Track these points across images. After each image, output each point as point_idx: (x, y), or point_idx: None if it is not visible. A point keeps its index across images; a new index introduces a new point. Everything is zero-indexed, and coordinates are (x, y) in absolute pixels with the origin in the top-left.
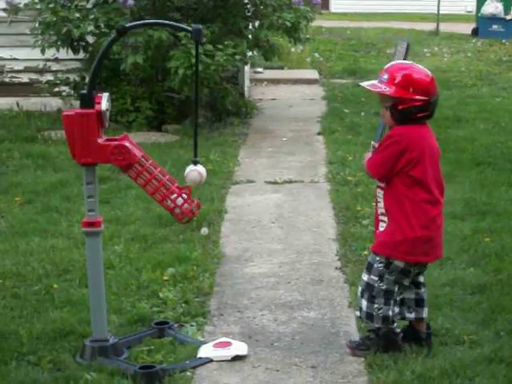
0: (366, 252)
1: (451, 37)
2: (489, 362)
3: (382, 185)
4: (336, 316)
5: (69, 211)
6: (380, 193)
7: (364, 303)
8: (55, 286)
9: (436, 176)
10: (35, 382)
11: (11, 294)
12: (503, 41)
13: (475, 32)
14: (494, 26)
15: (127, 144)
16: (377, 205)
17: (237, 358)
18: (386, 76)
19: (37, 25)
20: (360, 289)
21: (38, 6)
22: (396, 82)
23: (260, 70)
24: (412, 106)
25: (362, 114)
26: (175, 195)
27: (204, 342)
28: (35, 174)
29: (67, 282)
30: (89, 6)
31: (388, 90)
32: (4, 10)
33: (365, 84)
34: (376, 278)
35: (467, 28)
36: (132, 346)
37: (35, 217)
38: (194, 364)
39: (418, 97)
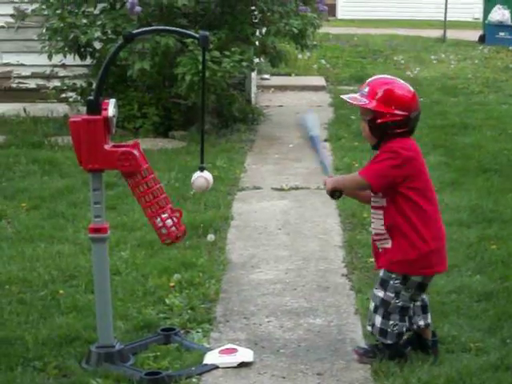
0: (372, 259)
1: (458, 44)
2: (495, 369)
3: (380, 204)
4: (342, 323)
5: (75, 217)
6: (376, 213)
7: (378, 319)
8: (61, 291)
9: (431, 186)
10: None
11: (17, 300)
12: (510, 48)
13: (482, 39)
14: (501, 33)
15: (134, 151)
16: (371, 224)
17: (243, 365)
18: (366, 89)
19: (44, 31)
20: (373, 304)
21: (46, 12)
22: (377, 96)
23: (267, 76)
24: (390, 121)
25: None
26: (166, 215)
27: (210, 349)
28: (42, 179)
29: (73, 287)
30: (96, 12)
31: (366, 102)
32: (11, 15)
33: (345, 97)
34: (392, 295)
35: (474, 35)
36: (138, 353)
37: (41, 222)
38: (199, 370)
39: (397, 111)
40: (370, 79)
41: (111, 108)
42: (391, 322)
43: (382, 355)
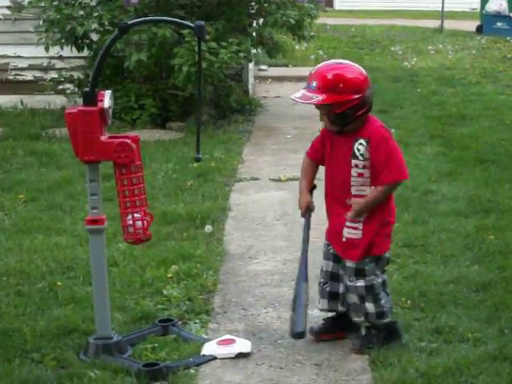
0: None
1: (455, 34)
2: (493, 359)
3: (364, 194)
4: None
5: (72, 209)
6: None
7: (370, 306)
8: (59, 283)
9: None
10: (39, 379)
11: (15, 292)
12: (508, 38)
13: (479, 29)
14: (499, 24)
15: (130, 142)
16: (341, 216)
17: (240, 356)
18: (314, 83)
19: (41, 22)
20: (356, 296)
21: (42, 4)
22: (326, 87)
23: (264, 67)
24: (348, 108)
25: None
26: (139, 216)
27: (208, 340)
28: (39, 171)
29: (71, 279)
30: (93, 3)
31: (320, 98)
32: (8, 7)
33: (295, 97)
34: (372, 277)
35: (471, 25)
36: (136, 344)
37: (39, 214)
38: (197, 361)
39: (352, 96)
40: (314, 70)
41: (107, 99)
42: (383, 301)
43: (379, 340)
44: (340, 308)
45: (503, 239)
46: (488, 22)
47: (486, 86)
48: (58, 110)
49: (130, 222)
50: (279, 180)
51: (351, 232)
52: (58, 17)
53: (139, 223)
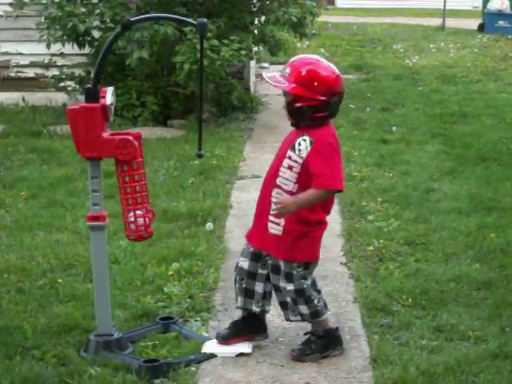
0: (371, 247)
1: (457, 32)
2: (494, 357)
3: (289, 188)
4: (341, 311)
5: (74, 206)
6: (279, 193)
7: (304, 307)
8: (60, 280)
9: None
10: (39, 376)
11: (16, 289)
12: (509, 36)
13: (481, 28)
14: (501, 22)
15: (132, 139)
16: (268, 205)
17: (241, 354)
18: (288, 70)
19: (42, 19)
20: (288, 298)
21: (44, 1)
22: (297, 77)
23: (266, 65)
24: (308, 105)
25: (368, 109)
26: (140, 213)
27: (209, 338)
28: (40, 168)
29: (72, 276)
30: (94, 0)
31: (286, 85)
32: (10, 4)
33: (266, 75)
34: (302, 281)
35: (473, 24)
36: (136, 341)
37: (40, 211)
38: (198, 359)
39: (317, 96)
40: (293, 59)
41: (109, 96)
42: (315, 301)
43: (319, 347)
44: (254, 308)
45: (504, 237)
46: (490, 21)
47: (488, 85)
48: (60, 107)
49: (132, 219)
50: None
51: (273, 227)
52: (60, 14)
53: (141, 220)
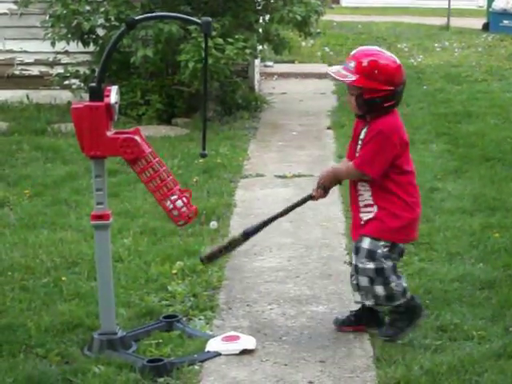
0: None
1: (462, 32)
2: (497, 357)
3: (365, 177)
4: (345, 310)
5: (78, 204)
6: (363, 185)
7: (380, 289)
8: (64, 278)
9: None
10: (43, 374)
11: (20, 287)
12: None
13: (486, 27)
14: (505, 21)
15: (136, 137)
16: (358, 197)
17: (245, 352)
18: (352, 64)
19: (47, 17)
20: (366, 278)
21: None
22: (362, 70)
23: (270, 63)
24: (377, 97)
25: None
26: (175, 197)
27: (212, 336)
28: (44, 166)
29: (76, 274)
30: None
31: (353, 78)
32: (15, 2)
33: (330, 70)
34: (383, 260)
35: (478, 23)
36: (140, 340)
37: (44, 209)
38: (202, 358)
39: (384, 87)
40: (354, 51)
41: (113, 95)
42: (393, 284)
43: (405, 323)
44: (368, 302)
45: (508, 237)
46: (494, 20)
47: (492, 84)
48: (64, 105)
49: (171, 207)
50: (285, 177)
51: (366, 215)
52: (65, 12)
53: (179, 203)
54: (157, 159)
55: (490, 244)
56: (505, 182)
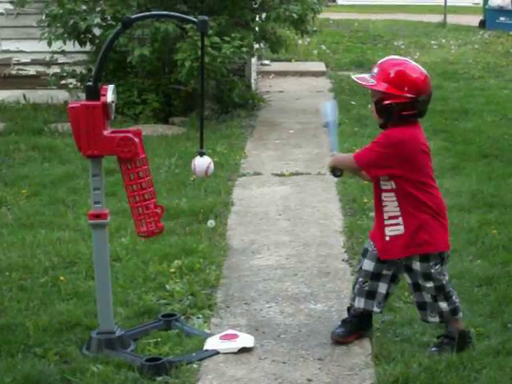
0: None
1: (458, 29)
2: (496, 354)
3: (389, 187)
4: (343, 308)
5: (75, 203)
6: (388, 196)
7: (444, 305)
8: (62, 278)
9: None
10: (41, 374)
11: (18, 287)
12: (511, 33)
13: (482, 24)
14: (502, 18)
15: (133, 137)
16: (383, 209)
17: (243, 351)
18: (376, 70)
19: (43, 17)
20: (428, 296)
21: None
22: (385, 77)
23: (267, 62)
24: (396, 103)
25: (369, 106)
26: (149, 211)
27: (211, 335)
28: (42, 166)
29: (74, 274)
30: None
31: (373, 82)
32: (11, 2)
33: (355, 77)
34: (440, 277)
35: (474, 20)
36: (138, 339)
37: (41, 209)
38: (200, 356)
39: (405, 94)
40: (381, 60)
41: (110, 94)
42: (454, 297)
43: (452, 348)
44: (376, 309)
45: (506, 234)
46: (491, 17)
47: (489, 81)
48: (61, 104)
49: (142, 217)
50: (282, 175)
51: (393, 230)
52: (61, 11)
53: (150, 215)
54: (146, 167)
55: (487, 241)
56: (502, 179)
